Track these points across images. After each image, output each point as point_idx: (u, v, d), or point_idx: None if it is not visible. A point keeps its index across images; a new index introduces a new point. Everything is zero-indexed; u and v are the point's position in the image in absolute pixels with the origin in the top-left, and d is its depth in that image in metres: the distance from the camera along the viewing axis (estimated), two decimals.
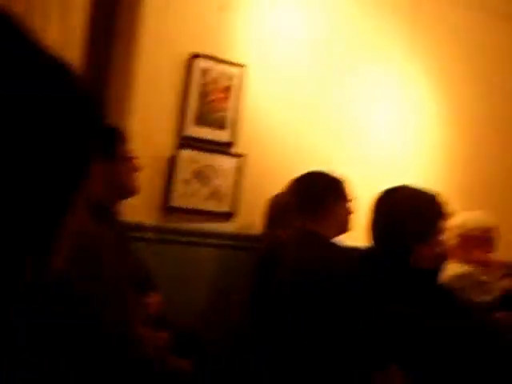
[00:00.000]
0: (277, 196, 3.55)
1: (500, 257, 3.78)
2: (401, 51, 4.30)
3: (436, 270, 2.53)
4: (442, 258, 2.57)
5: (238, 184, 3.75)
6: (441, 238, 2.44)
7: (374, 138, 4.25)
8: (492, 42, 4.67)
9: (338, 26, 4.09)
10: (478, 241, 3.72)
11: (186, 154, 3.60)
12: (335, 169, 3.50)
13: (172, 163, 3.58)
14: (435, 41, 4.42)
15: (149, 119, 3.54)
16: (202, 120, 3.64)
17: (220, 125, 3.69)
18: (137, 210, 3.45)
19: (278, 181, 3.60)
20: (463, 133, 4.59)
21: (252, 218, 3.70)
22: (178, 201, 3.61)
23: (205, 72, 3.63)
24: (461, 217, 3.76)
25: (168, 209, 3.61)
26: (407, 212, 2.35)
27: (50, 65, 0.70)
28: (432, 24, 4.39)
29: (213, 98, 3.65)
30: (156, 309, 3.05)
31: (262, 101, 3.85)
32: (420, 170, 4.35)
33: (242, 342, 3.31)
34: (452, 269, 3.56)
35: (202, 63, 3.61)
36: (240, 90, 3.72)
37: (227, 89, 3.69)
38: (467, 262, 3.65)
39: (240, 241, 3.76)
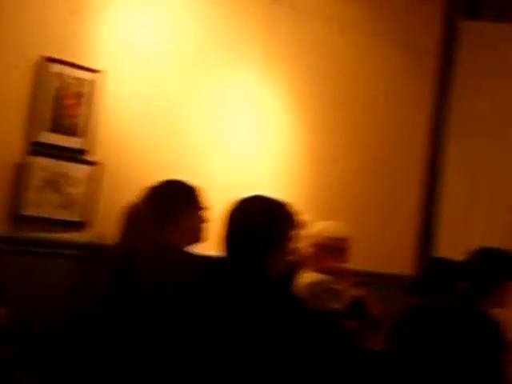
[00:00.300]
0: (132, 205, 3.49)
1: (352, 266, 3.88)
2: (260, 56, 4.35)
3: (288, 278, 2.57)
4: (293, 267, 2.61)
5: (92, 193, 3.66)
6: (292, 247, 2.47)
7: (231, 147, 4.27)
8: (347, 55, 4.83)
9: (195, 29, 4.09)
10: (331, 250, 3.81)
11: (38, 160, 3.48)
12: (194, 177, 3.49)
13: (22, 170, 3.45)
14: (293, 47, 4.52)
15: None
16: (55, 126, 3.53)
17: (73, 131, 3.59)
18: None
19: (135, 190, 3.53)
20: (318, 145, 4.70)
21: (106, 227, 3.61)
22: (28, 209, 3.47)
23: (58, 77, 3.52)
24: (315, 226, 3.85)
25: (17, 218, 3.47)
26: (257, 221, 2.36)
27: None
28: (290, 26, 4.50)
29: (66, 103, 3.55)
30: (1, 322, 2.93)
31: (119, 107, 3.78)
32: (276, 180, 4.41)
33: (98, 352, 3.24)
34: (306, 277, 3.63)
35: (54, 68, 3.51)
36: (95, 96, 3.64)
37: (81, 95, 3.59)
38: (321, 270, 3.74)
39: (93, 251, 3.66)
